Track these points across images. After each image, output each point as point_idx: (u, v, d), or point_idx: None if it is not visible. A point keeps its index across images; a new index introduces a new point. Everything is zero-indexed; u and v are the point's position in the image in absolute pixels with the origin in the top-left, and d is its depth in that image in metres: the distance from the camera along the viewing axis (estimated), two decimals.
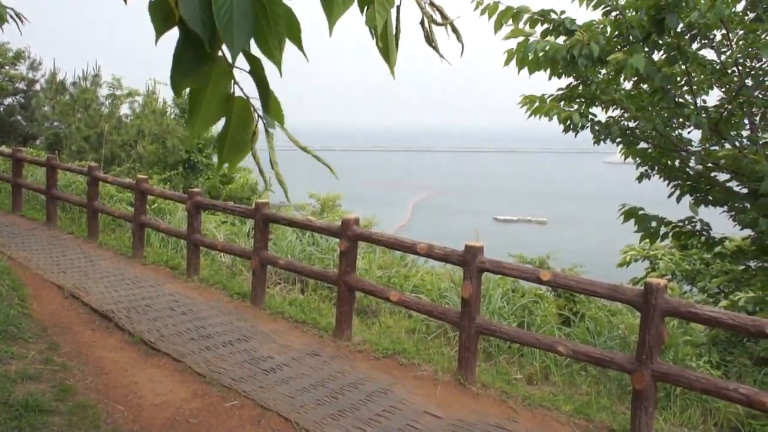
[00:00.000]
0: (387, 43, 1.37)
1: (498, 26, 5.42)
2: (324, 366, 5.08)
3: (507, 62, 5.62)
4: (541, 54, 5.22)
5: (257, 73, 1.28)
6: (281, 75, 1.28)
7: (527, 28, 5.51)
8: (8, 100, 20.78)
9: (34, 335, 5.14)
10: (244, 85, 1.34)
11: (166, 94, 17.67)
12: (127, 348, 5.28)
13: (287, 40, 1.28)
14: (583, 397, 4.88)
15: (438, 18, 1.42)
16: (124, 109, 18.54)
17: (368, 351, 5.43)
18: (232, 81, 1.30)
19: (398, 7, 1.39)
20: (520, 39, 5.42)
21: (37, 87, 20.82)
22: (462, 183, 76.42)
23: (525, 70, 5.77)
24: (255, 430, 4.04)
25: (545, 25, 5.59)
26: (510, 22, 5.42)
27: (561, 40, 5.50)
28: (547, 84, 6.14)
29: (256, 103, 1.35)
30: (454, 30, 1.44)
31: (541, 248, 13.37)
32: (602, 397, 4.93)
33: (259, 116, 1.36)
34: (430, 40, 1.43)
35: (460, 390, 4.81)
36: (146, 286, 6.94)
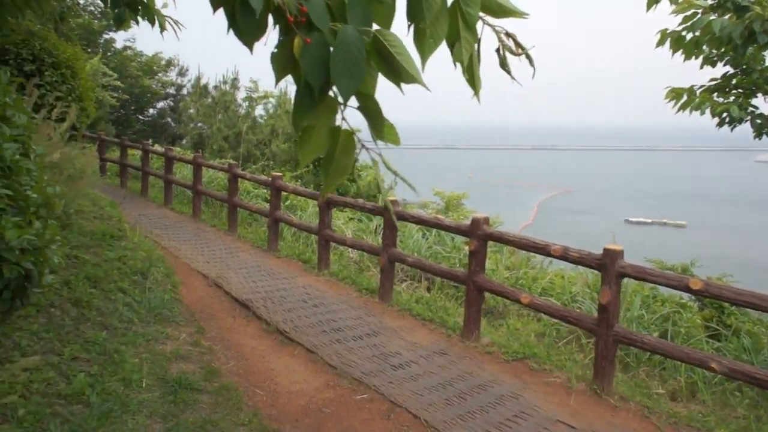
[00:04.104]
0: (472, 74, 1.56)
1: (651, 3, 5.00)
2: (452, 365, 5.04)
3: (660, 43, 5.19)
4: (707, 36, 4.75)
5: (367, 106, 1.48)
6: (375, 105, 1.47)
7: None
8: (161, 104, 22.93)
9: (184, 319, 5.57)
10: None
11: None
12: (264, 336, 5.57)
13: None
14: (739, 421, 4.42)
15: (513, 46, 1.59)
16: (259, 110, 19.73)
17: (497, 353, 5.31)
18: (338, 116, 1.51)
19: (479, 40, 1.56)
20: (688, 12, 4.96)
21: (185, 91, 22.77)
22: (591, 183, 72.98)
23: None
24: (385, 424, 4.08)
25: (709, 1, 5.07)
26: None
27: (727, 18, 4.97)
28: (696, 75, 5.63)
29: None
30: (528, 57, 1.61)
31: (681, 254, 12.33)
32: (764, 424, 4.42)
33: (362, 146, 1.54)
34: (503, 64, 1.61)
35: (596, 400, 4.55)
36: (280, 278, 7.29)
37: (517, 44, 1.58)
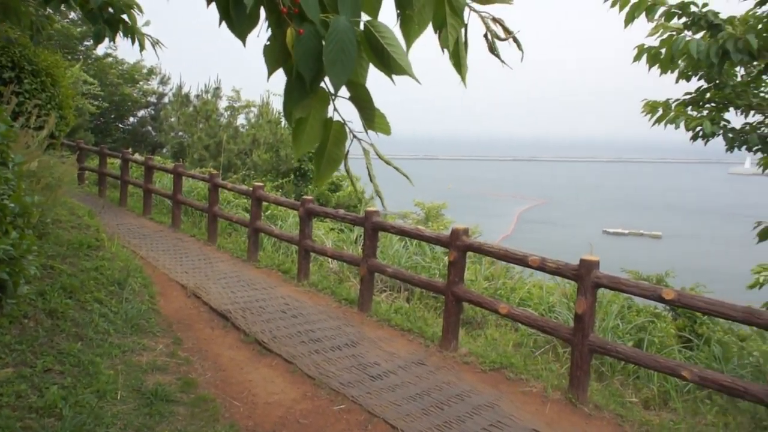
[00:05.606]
0: (458, 59, 1.58)
1: (629, 19, 5.10)
2: (430, 376, 5.07)
3: (637, 58, 5.31)
4: (683, 55, 4.85)
5: (358, 96, 1.49)
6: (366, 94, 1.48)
7: (662, 21, 5.15)
8: (141, 113, 22.77)
9: (161, 330, 5.54)
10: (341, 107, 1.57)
11: (279, 104, 18.54)
12: (242, 347, 5.55)
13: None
14: (708, 429, 4.51)
15: (500, 32, 1.60)
16: (241, 120, 19.69)
17: (474, 363, 5.35)
18: (330, 107, 1.54)
19: (465, 26, 1.59)
20: (664, 36, 5.07)
21: (166, 100, 22.64)
22: (570, 194, 73.75)
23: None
24: None
25: (683, 19, 5.19)
26: (643, 15, 5.09)
27: (700, 35, 5.09)
28: (676, 85, 5.75)
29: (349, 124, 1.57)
30: (516, 41, 1.61)
31: (656, 264, 12.51)
32: (732, 431, 4.52)
33: (354, 136, 1.56)
34: (492, 49, 1.62)
35: (571, 409, 4.61)
36: (260, 289, 7.27)
37: (505, 29, 1.60)
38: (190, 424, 3.92)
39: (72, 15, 19.30)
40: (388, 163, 1.58)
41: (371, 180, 1.64)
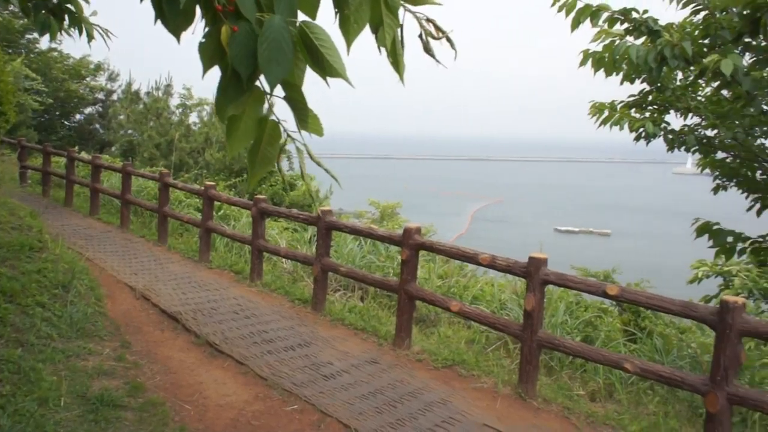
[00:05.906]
0: (396, 57, 1.61)
1: (575, 24, 5.27)
2: (383, 374, 5.10)
3: (583, 63, 5.48)
4: (624, 60, 5.04)
5: (293, 97, 1.51)
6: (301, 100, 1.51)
7: (606, 27, 5.34)
8: (88, 110, 22.03)
9: (108, 333, 5.39)
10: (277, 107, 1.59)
11: None
12: (193, 349, 5.45)
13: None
14: (650, 418, 4.69)
15: (433, 30, 1.64)
16: (193, 118, 19.29)
17: (427, 360, 5.41)
18: (265, 105, 1.55)
19: (401, 26, 1.63)
20: (606, 41, 5.25)
21: (114, 97, 21.99)
22: (522, 193, 75.24)
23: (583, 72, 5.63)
24: None
25: (625, 25, 5.38)
26: (588, 20, 5.26)
27: (641, 41, 5.30)
28: (620, 89, 5.96)
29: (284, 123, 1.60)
30: (449, 40, 1.67)
31: (605, 261, 12.92)
32: (671, 419, 4.71)
33: (288, 135, 1.58)
34: (427, 49, 1.66)
35: (521, 404, 4.72)
36: (212, 290, 7.15)
37: (438, 28, 1.63)
38: (138, 429, 3.83)
39: (12, 7, 18.49)
40: (318, 164, 1.61)
41: (303, 179, 1.68)
